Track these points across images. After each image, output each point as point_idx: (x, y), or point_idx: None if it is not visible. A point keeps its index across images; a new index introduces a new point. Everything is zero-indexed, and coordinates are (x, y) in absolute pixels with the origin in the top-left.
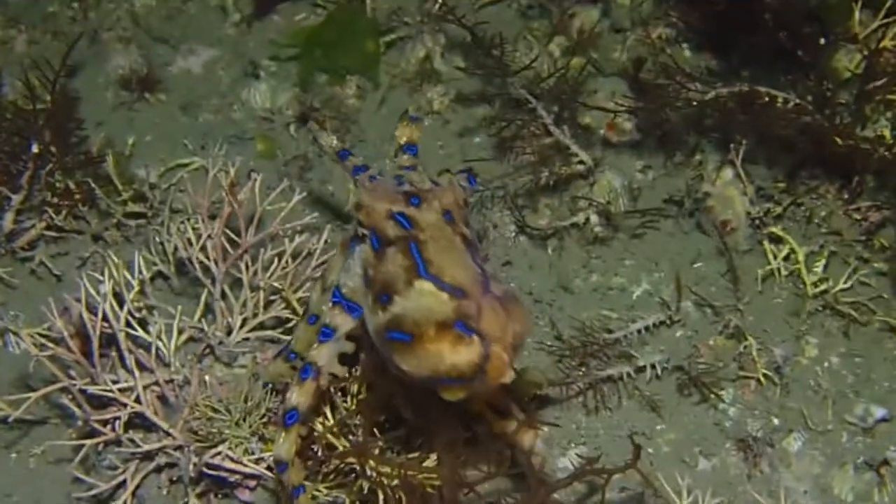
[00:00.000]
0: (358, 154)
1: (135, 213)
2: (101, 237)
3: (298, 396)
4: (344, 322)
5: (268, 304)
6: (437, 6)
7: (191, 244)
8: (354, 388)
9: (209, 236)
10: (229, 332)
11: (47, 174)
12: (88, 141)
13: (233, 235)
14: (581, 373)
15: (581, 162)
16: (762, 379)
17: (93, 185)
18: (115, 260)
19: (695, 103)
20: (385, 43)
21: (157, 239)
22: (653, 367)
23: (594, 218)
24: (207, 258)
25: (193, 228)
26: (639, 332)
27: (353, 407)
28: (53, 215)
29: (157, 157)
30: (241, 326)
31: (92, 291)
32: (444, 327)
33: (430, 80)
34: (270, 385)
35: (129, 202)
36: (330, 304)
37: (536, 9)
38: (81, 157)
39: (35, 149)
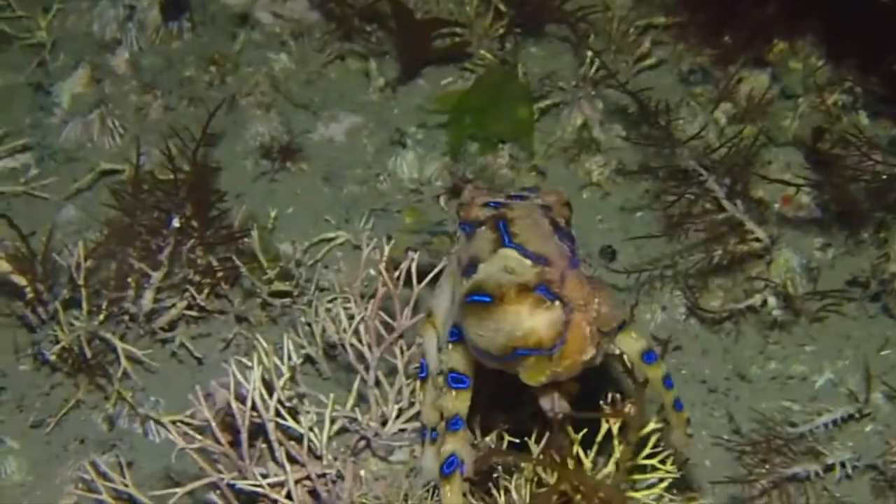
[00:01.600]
0: None
1: (280, 291)
2: (244, 318)
3: (453, 444)
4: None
5: None
6: (593, 70)
7: (342, 327)
8: None
9: (362, 319)
10: (384, 423)
11: (188, 250)
12: (230, 214)
13: (387, 318)
14: (764, 470)
15: (757, 239)
16: None
17: (237, 261)
18: (265, 344)
19: (884, 177)
20: (539, 109)
21: (304, 320)
22: (843, 465)
23: (772, 300)
24: (360, 342)
25: (345, 309)
26: (825, 426)
27: None
28: (195, 294)
29: (301, 231)
30: (397, 417)
31: (240, 377)
32: (524, 289)
33: (588, 150)
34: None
35: (275, 280)
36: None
37: (699, 73)
38: (224, 232)
39: (176, 223)
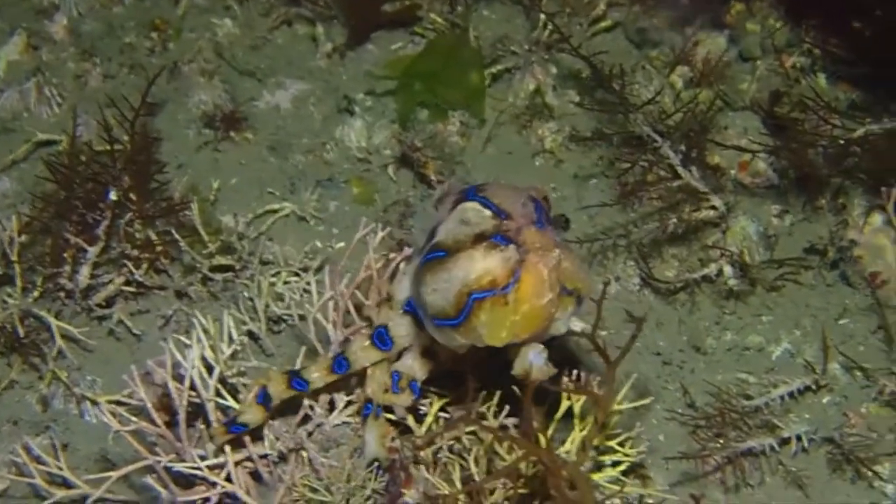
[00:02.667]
0: None
1: (222, 265)
2: (185, 293)
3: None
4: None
5: None
6: (546, 34)
7: (303, 300)
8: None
9: (333, 296)
10: (331, 409)
11: (126, 224)
12: (170, 186)
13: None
14: (718, 445)
15: (713, 207)
16: None
17: (176, 235)
18: (203, 321)
19: (842, 142)
20: (491, 75)
21: (247, 295)
22: (799, 438)
23: (728, 269)
24: (326, 319)
25: (286, 283)
26: (781, 398)
27: None
28: (133, 269)
29: (245, 203)
30: (346, 407)
31: (178, 356)
32: (480, 238)
33: (541, 116)
34: (376, 463)
35: (216, 254)
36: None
37: (655, 35)
38: (163, 205)
39: (113, 196)
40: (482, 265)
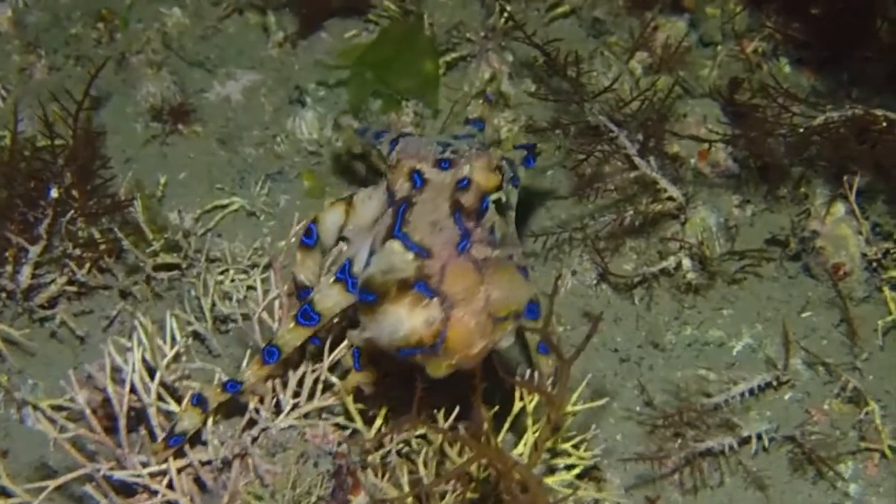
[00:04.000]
0: None
1: (167, 264)
2: (129, 293)
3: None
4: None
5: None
6: (502, 21)
7: (248, 299)
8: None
9: (278, 295)
10: (278, 412)
11: (68, 222)
12: (115, 182)
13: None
14: (676, 445)
15: (671, 198)
16: (888, 451)
17: (119, 234)
18: (145, 322)
19: (802, 130)
20: (445, 63)
21: (193, 293)
22: (759, 437)
23: (687, 262)
24: (272, 317)
25: (234, 281)
26: (742, 395)
27: None
28: (75, 269)
29: (193, 198)
30: (292, 409)
31: (118, 359)
32: (403, 287)
33: (496, 105)
34: (324, 469)
35: (161, 253)
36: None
37: (613, 20)
38: (107, 202)
39: (54, 193)
40: (408, 325)
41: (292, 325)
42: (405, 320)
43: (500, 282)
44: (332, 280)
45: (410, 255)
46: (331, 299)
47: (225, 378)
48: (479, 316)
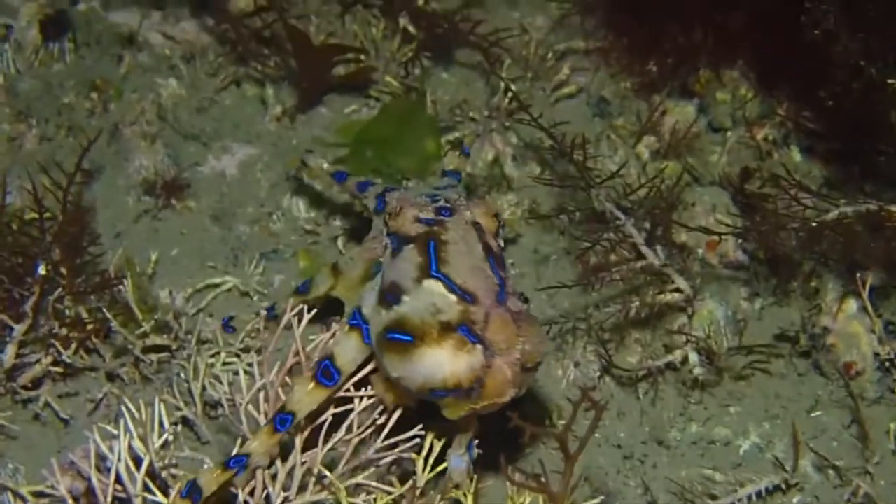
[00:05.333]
0: None
1: (156, 346)
2: (116, 375)
3: (260, 446)
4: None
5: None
6: (507, 100)
7: (233, 389)
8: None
9: (263, 386)
10: None
11: (55, 301)
12: (105, 258)
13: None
14: None
15: (678, 290)
16: None
17: (108, 315)
18: (132, 409)
19: (814, 224)
20: (447, 142)
21: (182, 376)
22: None
23: (693, 357)
24: (258, 411)
25: (227, 364)
26: (749, 498)
27: None
28: (61, 349)
29: (185, 276)
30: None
31: (103, 448)
32: (447, 329)
33: (500, 188)
34: None
35: (151, 334)
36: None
37: (621, 103)
38: (96, 280)
39: (42, 270)
40: (449, 369)
41: (311, 385)
42: (446, 364)
43: (532, 335)
44: (347, 329)
45: (454, 298)
46: (350, 351)
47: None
48: (514, 366)
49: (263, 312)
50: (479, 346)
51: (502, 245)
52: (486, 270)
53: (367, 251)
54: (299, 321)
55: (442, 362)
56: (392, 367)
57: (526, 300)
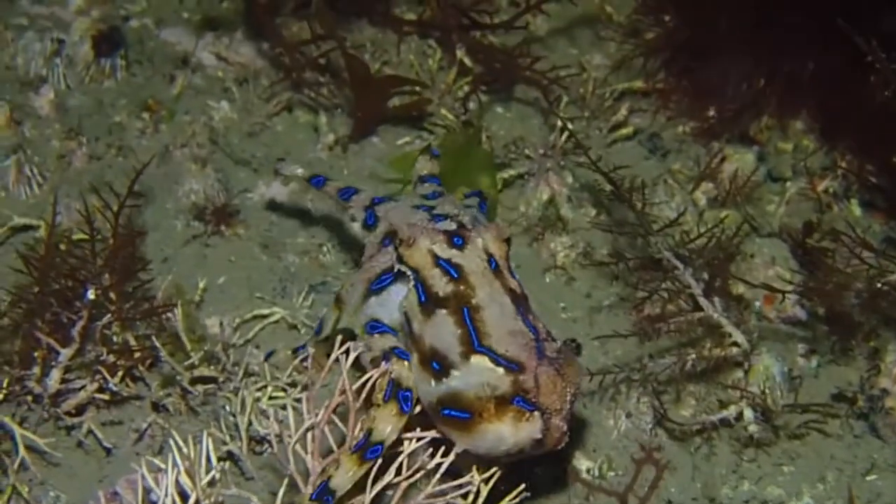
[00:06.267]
0: None
1: (203, 377)
2: (162, 405)
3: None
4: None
5: None
6: (563, 139)
7: (280, 426)
8: None
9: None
10: None
11: (103, 326)
12: (154, 283)
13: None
14: None
15: (735, 344)
16: None
17: (157, 344)
18: (180, 442)
19: (880, 285)
20: (502, 179)
21: (228, 409)
22: None
23: (748, 413)
24: (304, 450)
25: (274, 399)
26: None
27: None
28: (108, 376)
29: (231, 305)
30: None
31: (150, 481)
32: (503, 403)
33: (554, 229)
34: None
35: (199, 365)
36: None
37: (679, 146)
38: (144, 306)
39: (91, 295)
40: (512, 441)
41: (355, 468)
42: (509, 437)
43: (572, 376)
44: (385, 406)
45: (502, 371)
46: (389, 425)
47: None
48: (568, 417)
49: (289, 352)
50: (536, 413)
51: (515, 276)
52: (520, 327)
53: (366, 272)
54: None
55: (504, 436)
56: (452, 437)
57: (578, 347)
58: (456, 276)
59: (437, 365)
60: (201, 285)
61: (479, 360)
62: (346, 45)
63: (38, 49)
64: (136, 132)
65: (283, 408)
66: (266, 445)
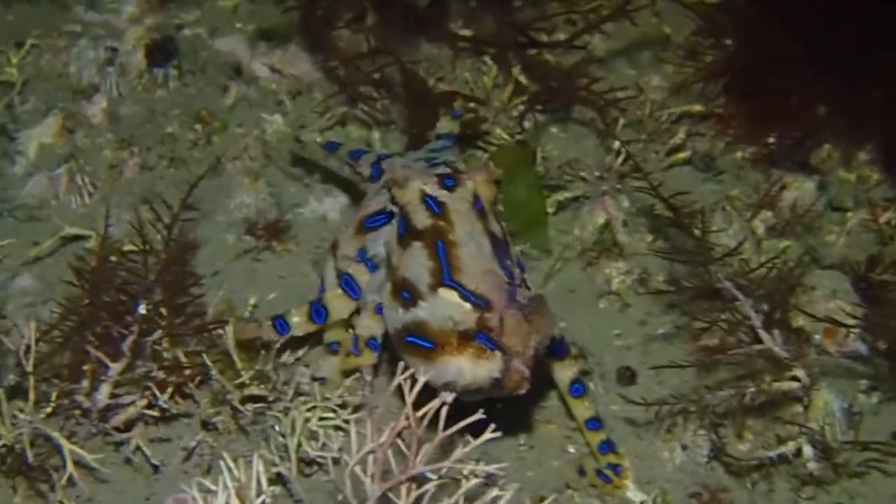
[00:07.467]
0: None
1: (254, 396)
2: (211, 424)
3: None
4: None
5: None
6: (620, 161)
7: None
8: None
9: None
10: None
11: (154, 342)
12: (204, 298)
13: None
14: None
15: (795, 378)
16: None
17: (207, 361)
18: (231, 464)
19: None
20: (556, 202)
21: (277, 429)
22: None
23: (808, 450)
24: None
25: (324, 420)
26: None
27: None
28: (157, 392)
29: None
30: None
31: (201, 503)
32: (465, 338)
33: (609, 254)
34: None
35: (250, 384)
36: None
37: (737, 173)
38: (195, 322)
39: (143, 310)
40: (470, 376)
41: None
42: (467, 371)
43: (541, 325)
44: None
45: (469, 306)
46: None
47: None
48: (530, 362)
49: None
50: (497, 353)
51: (500, 221)
52: (494, 268)
53: (360, 210)
54: (412, 386)
55: (463, 370)
56: (413, 366)
57: (633, 375)
58: (438, 211)
59: (406, 294)
60: (252, 301)
61: (447, 294)
62: (403, 60)
63: (91, 57)
64: (188, 143)
65: (335, 429)
66: (315, 468)
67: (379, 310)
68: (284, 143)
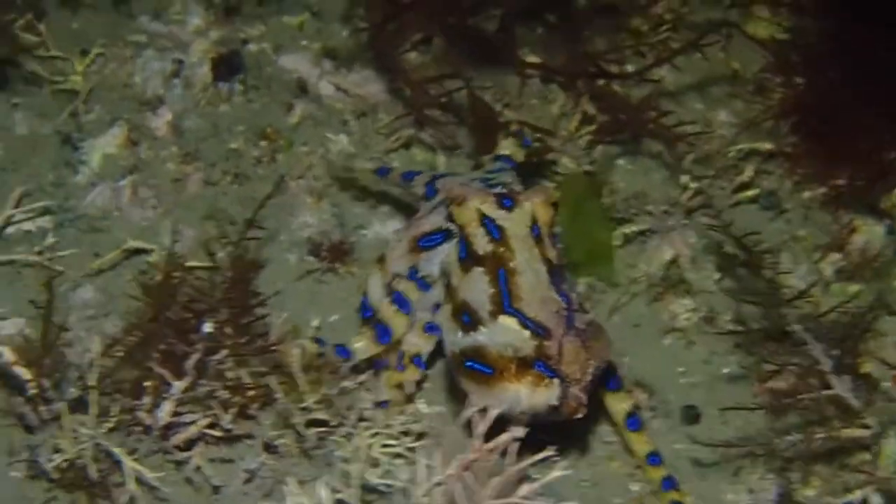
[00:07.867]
0: None
1: (317, 420)
2: (273, 447)
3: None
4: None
5: None
6: (689, 196)
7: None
8: None
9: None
10: None
11: (218, 361)
12: (268, 318)
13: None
14: None
15: (865, 426)
16: None
17: (274, 385)
18: (297, 490)
19: None
20: (623, 235)
21: (339, 454)
22: None
23: (876, 499)
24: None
25: (386, 446)
26: None
27: None
28: (221, 413)
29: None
30: None
31: None
32: (524, 365)
33: (676, 290)
34: None
35: (315, 409)
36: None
37: (805, 213)
38: (259, 342)
39: (208, 328)
40: (528, 403)
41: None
42: (525, 398)
43: (598, 351)
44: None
45: (528, 334)
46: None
47: None
48: (587, 390)
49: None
50: (555, 380)
51: (557, 242)
52: (553, 295)
53: (412, 228)
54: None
55: (521, 397)
56: (470, 390)
57: (698, 415)
58: (497, 237)
59: (467, 318)
60: (315, 323)
61: (507, 321)
62: (472, 86)
63: (156, 68)
64: (253, 160)
65: (395, 456)
66: (375, 495)
67: (428, 328)
68: (333, 170)
